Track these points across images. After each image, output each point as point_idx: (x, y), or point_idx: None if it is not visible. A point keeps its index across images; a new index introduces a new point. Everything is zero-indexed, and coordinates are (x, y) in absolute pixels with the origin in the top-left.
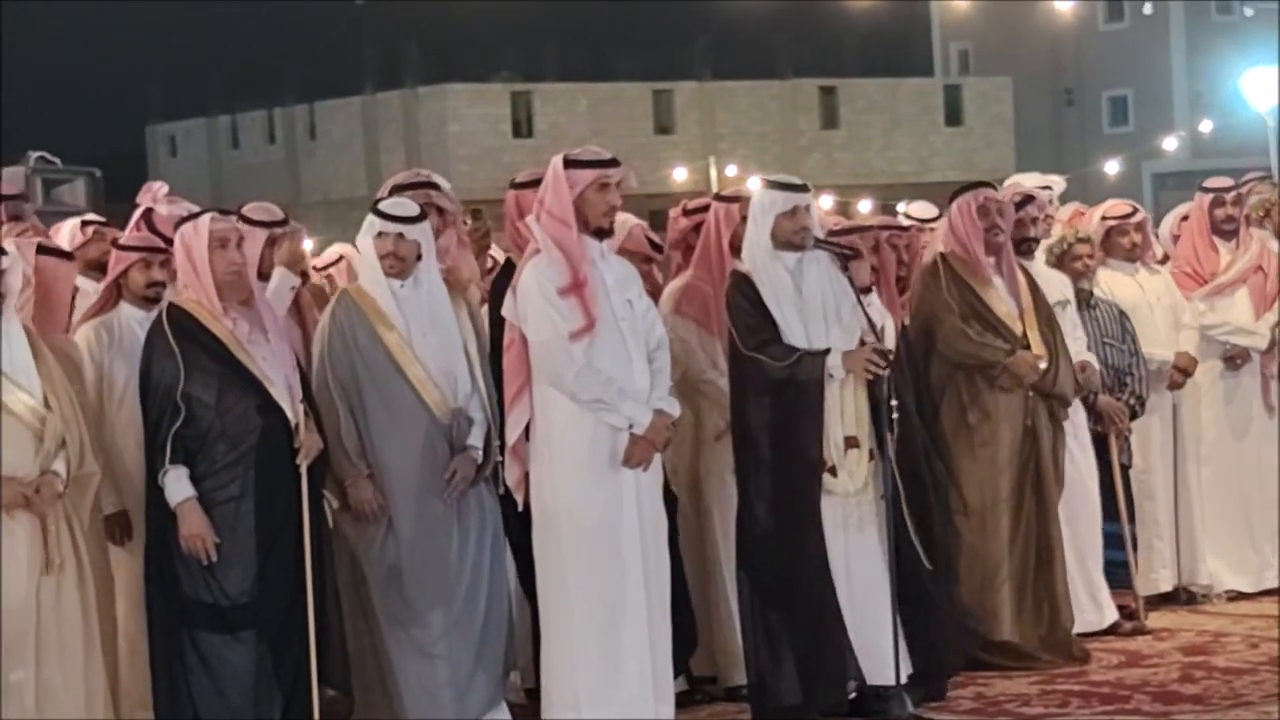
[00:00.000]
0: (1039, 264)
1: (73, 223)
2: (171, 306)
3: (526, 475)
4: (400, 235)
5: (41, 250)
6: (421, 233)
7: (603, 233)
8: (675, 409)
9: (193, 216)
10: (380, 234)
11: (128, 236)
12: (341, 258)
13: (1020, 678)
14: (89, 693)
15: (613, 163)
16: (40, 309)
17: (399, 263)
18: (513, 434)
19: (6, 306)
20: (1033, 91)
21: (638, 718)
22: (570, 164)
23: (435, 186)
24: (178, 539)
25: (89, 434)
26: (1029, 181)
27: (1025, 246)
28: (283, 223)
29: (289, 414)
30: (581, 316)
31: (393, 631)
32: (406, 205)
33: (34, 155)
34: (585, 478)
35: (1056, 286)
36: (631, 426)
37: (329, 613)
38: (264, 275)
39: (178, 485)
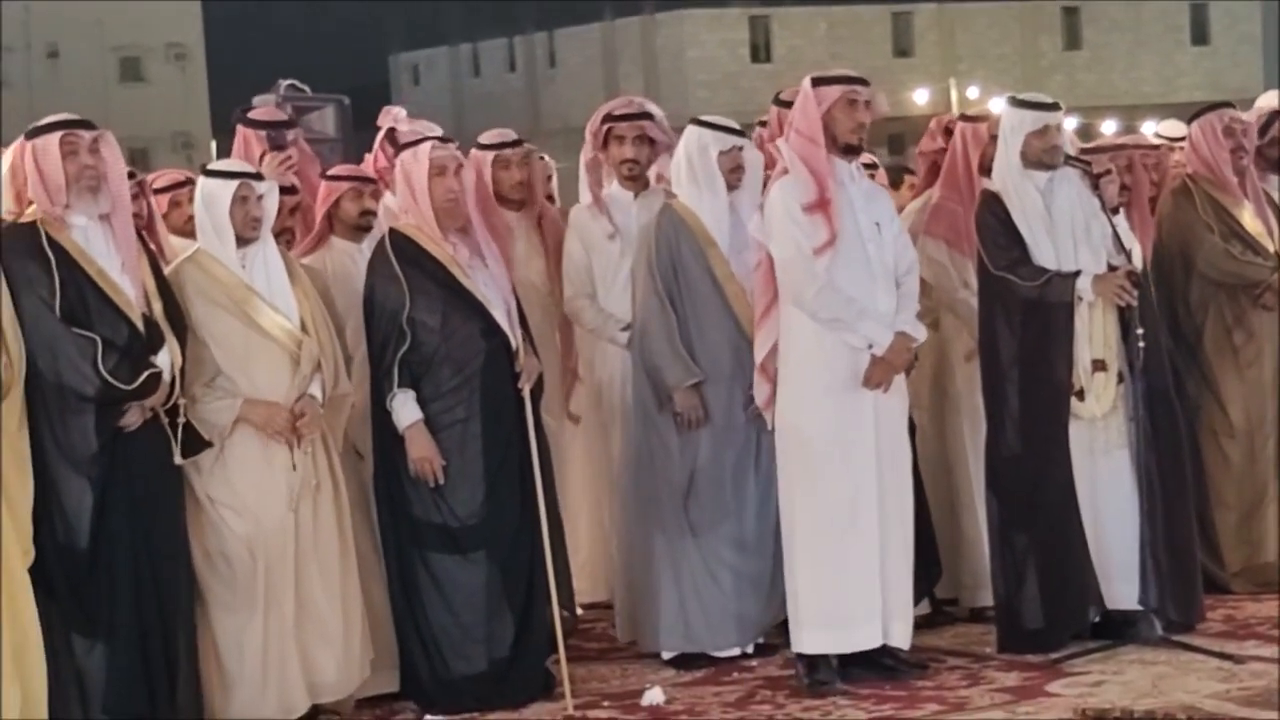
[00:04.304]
0: None
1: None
2: (393, 232)
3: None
4: (742, 149)
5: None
6: None
7: (852, 150)
8: (920, 333)
9: (413, 144)
10: (733, 148)
11: (337, 167)
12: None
13: (1271, 600)
14: (346, 609)
15: (861, 80)
16: None
17: (742, 174)
18: (760, 352)
19: (264, 231)
20: None
21: (861, 639)
22: (818, 81)
23: (649, 116)
24: (406, 462)
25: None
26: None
27: None
28: (515, 144)
29: (510, 338)
30: (825, 232)
31: (689, 541)
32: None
33: (284, 83)
34: (823, 397)
35: None
36: (871, 347)
37: (555, 533)
38: (499, 196)
39: (405, 409)
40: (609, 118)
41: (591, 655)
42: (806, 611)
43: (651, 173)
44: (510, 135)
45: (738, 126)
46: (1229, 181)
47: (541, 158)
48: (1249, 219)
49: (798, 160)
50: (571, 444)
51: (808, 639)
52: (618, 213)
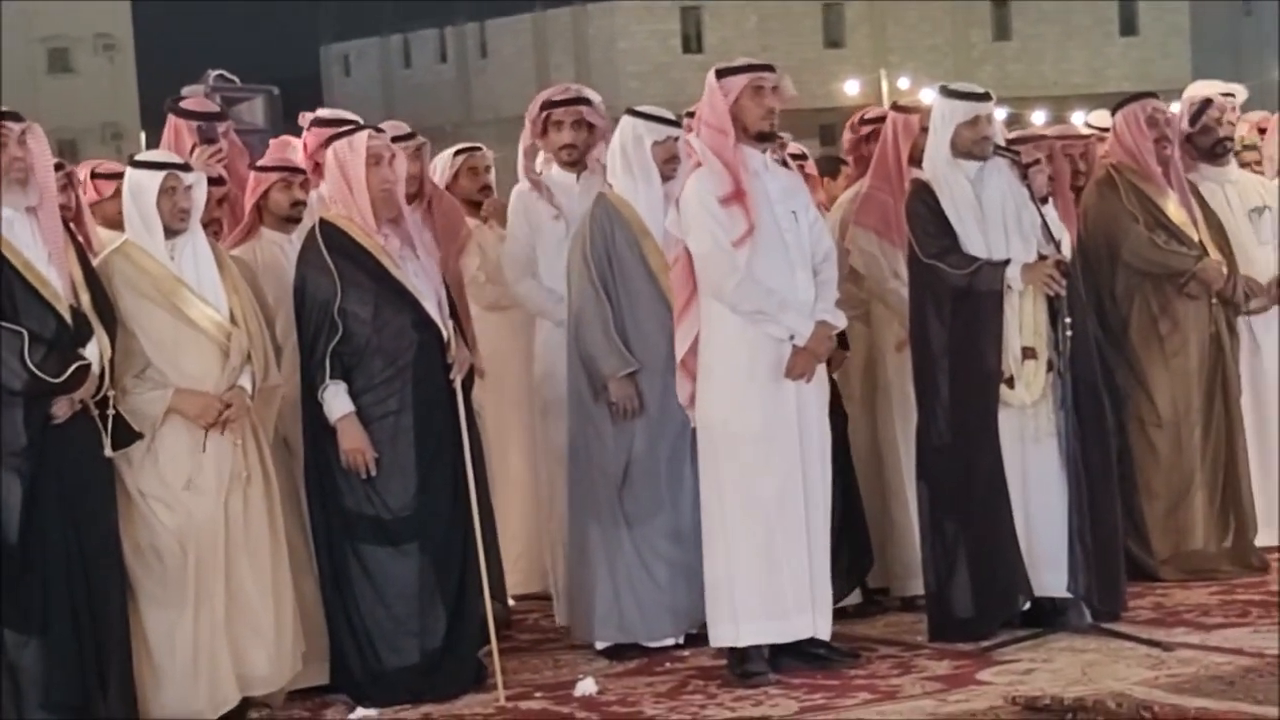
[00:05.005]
0: (1234, 169)
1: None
2: (324, 223)
3: None
4: (676, 140)
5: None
6: None
7: (765, 138)
8: (840, 321)
9: (346, 133)
10: (668, 138)
11: (266, 157)
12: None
13: (1199, 588)
14: (277, 602)
15: (766, 66)
16: None
17: (676, 164)
18: (681, 348)
19: (192, 222)
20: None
21: (796, 628)
22: (722, 73)
23: (586, 102)
24: (337, 454)
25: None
26: (1209, 89)
27: (1219, 148)
28: (408, 136)
29: (441, 329)
30: (743, 223)
31: (623, 532)
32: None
33: (213, 74)
34: (746, 390)
35: (1256, 192)
36: (793, 337)
37: (486, 525)
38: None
39: (337, 400)
40: (547, 104)
41: (524, 647)
42: (742, 604)
43: (590, 158)
44: (404, 128)
45: (673, 117)
46: (1153, 171)
47: (478, 149)
48: (1173, 208)
49: (710, 153)
50: (506, 435)
51: (745, 631)
52: (561, 195)
